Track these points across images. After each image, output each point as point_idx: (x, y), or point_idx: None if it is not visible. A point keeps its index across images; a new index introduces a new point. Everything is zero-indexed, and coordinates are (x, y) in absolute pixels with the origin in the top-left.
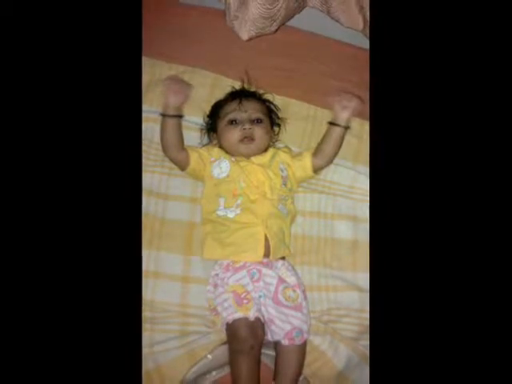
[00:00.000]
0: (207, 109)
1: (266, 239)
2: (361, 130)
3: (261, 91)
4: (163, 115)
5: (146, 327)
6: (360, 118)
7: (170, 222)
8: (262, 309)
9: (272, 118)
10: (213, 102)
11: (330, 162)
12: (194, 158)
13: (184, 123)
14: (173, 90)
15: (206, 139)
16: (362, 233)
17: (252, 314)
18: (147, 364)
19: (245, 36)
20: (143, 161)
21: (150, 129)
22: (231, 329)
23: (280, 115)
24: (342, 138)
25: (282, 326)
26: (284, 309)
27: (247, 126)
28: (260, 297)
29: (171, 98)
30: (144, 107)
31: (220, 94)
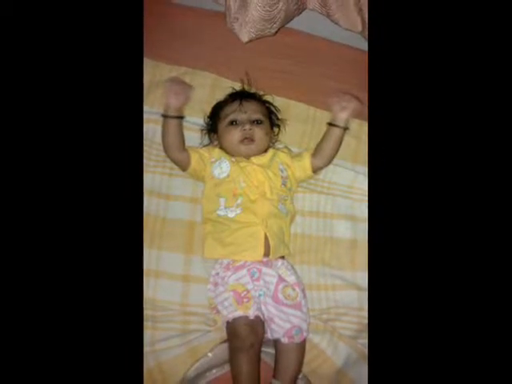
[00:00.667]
0: (208, 110)
1: (266, 238)
2: (359, 130)
3: (261, 92)
4: (164, 116)
5: (147, 325)
6: (359, 118)
7: (171, 222)
8: (262, 307)
9: (272, 119)
10: (213, 103)
11: (329, 162)
12: (194, 158)
13: (185, 124)
14: (174, 92)
15: (206, 140)
16: (361, 232)
17: (252, 313)
18: (148, 362)
19: (245, 38)
20: (144, 161)
21: (152, 130)
22: (231, 327)
23: (280, 116)
24: (341, 139)
25: (281, 325)
26: (284, 307)
27: (247, 127)
28: (260, 295)
29: (172, 99)
30: (145, 108)
31: (220, 95)
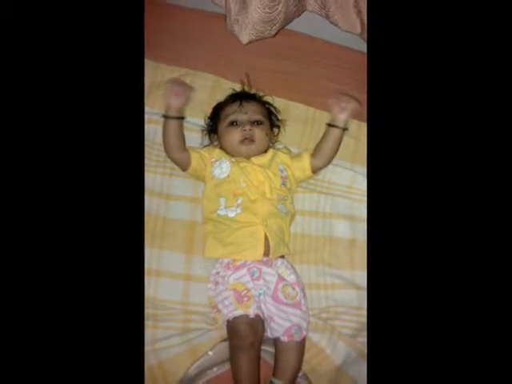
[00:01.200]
0: (208, 110)
1: (266, 238)
2: (358, 131)
3: (261, 93)
4: (165, 117)
5: (148, 324)
6: (358, 119)
7: (172, 222)
8: (262, 306)
9: (272, 120)
10: (214, 103)
11: (329, 162)
12: (195, 158)
13: (185, 124)
14: (174, 92)
15: (206, 140)
16: (360, 232)
17: (252, 312)
18: (149, 360)
19: (245, 39)
20: (145, 161)
21: (153, 130)
22: (232, 326)
23: (279, 117)
24: (340, 139)
25: (281, 323)
26: (283, 306)
27: (247, 128)
28: (260, 294)
29: (173, 100)
30: (146, 109)
31: (221, 96)
